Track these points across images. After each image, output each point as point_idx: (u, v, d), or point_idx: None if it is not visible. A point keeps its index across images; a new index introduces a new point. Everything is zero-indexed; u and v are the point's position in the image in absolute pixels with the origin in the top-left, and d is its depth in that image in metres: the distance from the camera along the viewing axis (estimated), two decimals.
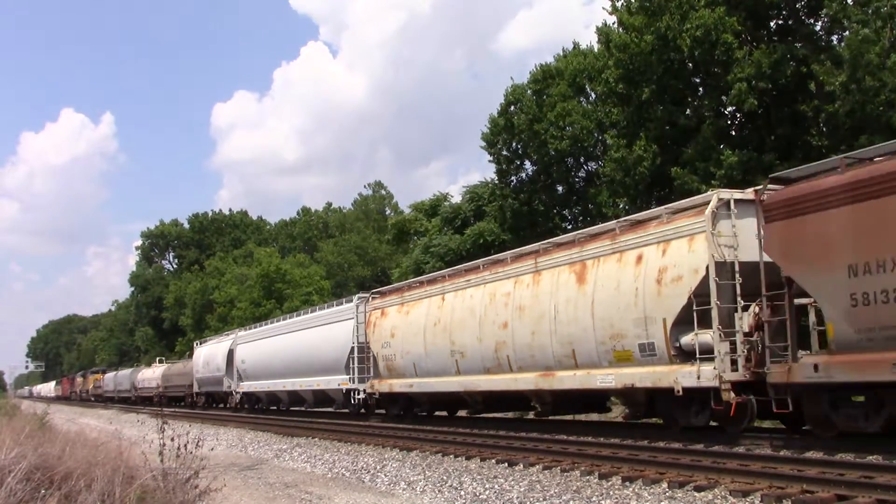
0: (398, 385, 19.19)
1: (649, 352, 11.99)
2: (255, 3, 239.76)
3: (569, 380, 13.60)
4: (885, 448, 9.41)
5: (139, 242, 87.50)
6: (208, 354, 34.75)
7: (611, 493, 8.73)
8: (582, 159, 28.66)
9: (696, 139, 20.58)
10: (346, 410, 22.81)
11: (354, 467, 12.77)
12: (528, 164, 29.77)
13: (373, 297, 21.33)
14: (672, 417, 12.49)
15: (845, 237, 9.17)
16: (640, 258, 12.26)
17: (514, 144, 29.26)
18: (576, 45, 30.22)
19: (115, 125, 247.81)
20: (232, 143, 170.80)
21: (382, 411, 21.42)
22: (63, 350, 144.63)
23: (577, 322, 13.25)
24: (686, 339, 11.36)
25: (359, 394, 20.99)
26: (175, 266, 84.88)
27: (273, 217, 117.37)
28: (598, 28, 25.93)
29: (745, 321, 10.72)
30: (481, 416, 17.43)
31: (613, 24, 24.27)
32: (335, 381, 22.36)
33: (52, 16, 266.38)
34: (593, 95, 28.36)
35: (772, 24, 21.54)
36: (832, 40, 20.42)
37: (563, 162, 28.10)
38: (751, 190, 11.25)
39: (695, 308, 11.10)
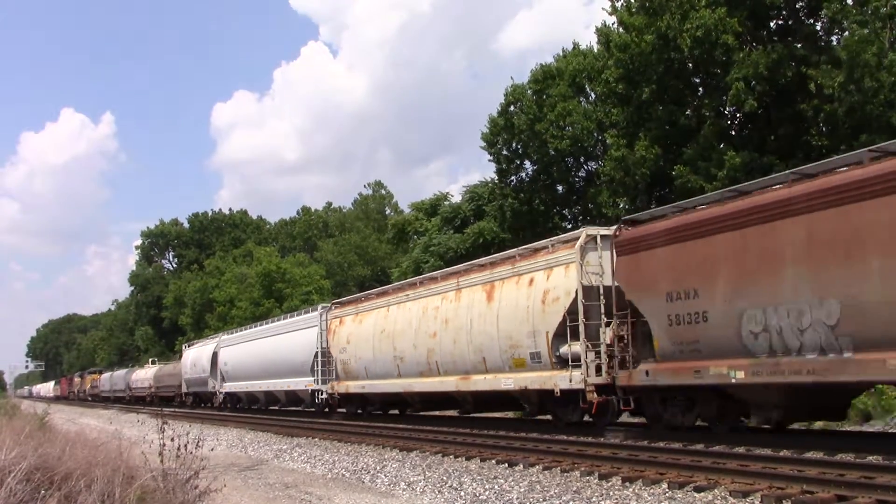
0: (353, 386, 21.37)
1: (537, 359, 14.40)
2: (255, 2, 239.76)
3: (481, 382, 16.10)
4: (884, 448, 9.42)
5: (139, 242, 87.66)
6: (195, 356, 36.81)
7: (611, 493, 8.73)
8: (582, 159, 28.65)
9: (697, 139, 20.58)
10: (313, 409, 24.65)
11: (354, 468, 12.77)
12: (528, 164, 29.79)
13: (333, 307, 23.64)
14: (556, 415, 15.08)
15: (665, 271, 12.02)
16: (531, 281, 14.76)
17: (514, 144, 29.26)
18: (576, 46, 30.23)
19: (115, 125, 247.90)
20: (232, 142, 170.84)
21: (343, 410, 23.28)
22: (63, 350, 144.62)
23: (486, 333, 15.77)
24: (563, 350, 13.83)
25: (322, 394, 23.19)
26: (175, 265, 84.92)
27: (273, 217, 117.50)
28: (597, 28, 25.95)
29: (607, 335, 13.21)
30: (422, 413, 19.60)
31: (613, 24, 24.28)
32: (303, 383, 24.59)
33: (51, 15, 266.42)
34: (593, 95, 28.36)
35: (772, 24, 21.54)
36: (831, 41, 20.43)
37: (563, 162, 28.10)
38: (613, 228, 13.56)
39: (568, 324, 13.59)
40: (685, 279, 11.66)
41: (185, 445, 8.25)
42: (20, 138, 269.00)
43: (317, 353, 23.49)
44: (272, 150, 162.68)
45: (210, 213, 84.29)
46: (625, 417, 14.68)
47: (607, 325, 13.28)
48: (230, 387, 31.94)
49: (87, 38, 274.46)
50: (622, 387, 12.83)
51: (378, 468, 12.31)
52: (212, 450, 11.15)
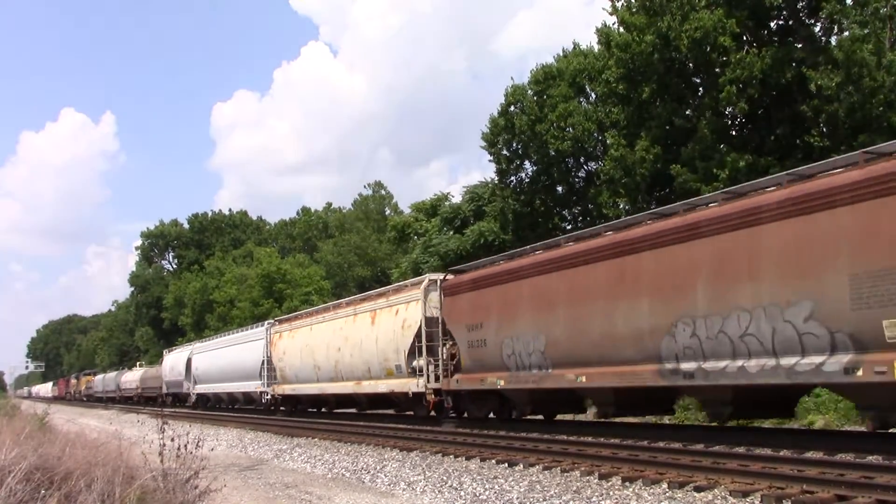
0: (288, 389, 26.76)
1: (400, 370, 19.09)
2: (255, 2, 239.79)
3: (368, 387, 21.06)
4: (884, 448, 9.42)
5: (139, 242, 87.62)
6: (173, 362, 42.05)
7: (611, 493, 8.73)
8: (582, 160, 28.64)
9: (696, 139, 20.59)
10: (262, 407, 29.76)
11: (354, 467, 12.77)
12: (528, 164, 29.77)
13: (276, 324, 29.00)
14: (414, 410, 20.05)
15: (467, 310, 16.88)
16: (397, 312, 19.58)
17: (514, 145, 29.24)
18: (576, 46, 30.22)
19: (115, 125, 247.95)
20: (232, 142, 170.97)
21: (283, 408, 28.56)
22: (63, 350, 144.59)
23: (370, 350, 20.57)
24: (414, 363, 18.47)
25: (267, 395, 28.35)
26: (175, 266, 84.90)
27: (273, 217, 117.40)
28: (598, 28, 25.93)
29: (444, 352, 17.77)
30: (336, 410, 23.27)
31: (613, 24, 24.27)
32: (254, 385, 29.94)
33: (52, 15, 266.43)
34: (594, 96, 28.35)
35: (772, 24, 21.53)
36: (831, 41, 20.43)
37: (563, 162, 28.09)
38: (444, 275, 18.46)
39: (416, 344, 18.30)
40: (476, 316, 16.49)
41: (185, 445, 8.25)
42: (20, 138, 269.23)
43: (263, 361, 28.68)
44: (272, 150, 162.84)
45: (210, 214, 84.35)
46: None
47: (443, 345, 17.81)
48: (200, 388, 37.04)
49: (87, 37, 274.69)
50: (444, 390, 17.76)
51: (378, 468, 12.31)
52: (212, 450, 11.16)
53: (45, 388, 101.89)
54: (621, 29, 23.07)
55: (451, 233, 34.93)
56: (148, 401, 46.40)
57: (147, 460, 8.23)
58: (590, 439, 12.91)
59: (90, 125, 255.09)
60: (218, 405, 35.88)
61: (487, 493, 9.45)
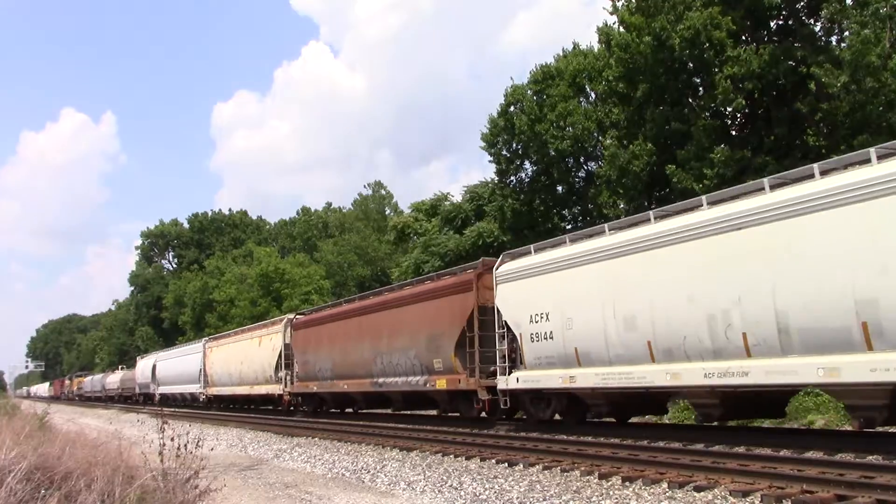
0: (215, 390, 35.34)
1: (272, 379, 27.90)
2: (255, 2, 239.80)
3: (256, 389, 29.63)
4: (885, 448, 9.42)
5: (139, 242, 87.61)
6: (143, 366, 50.04)
7: (611, 493, 8.73)
8: (582, 159, 28.62)
9: (691, 139, 20.60)
10: (201, 404, 37.67)
11: (354, 467, 12.77)
12: (528, 164, 29.75)
13: (209, 341, 37.33)
14: (277, 406, 28.59)
15: (302, 341, 25.73)
16: (271, 339, 28.28)
17: (514, 145, 29.22)
18: (576, 46, 30.19)
19: (116, 125, 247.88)
20: (233, 142, 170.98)
21: (215, 405, 36.36)
22: (63, 350, 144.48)
23: (257, 363, 29.30)
24: (279, 374, 27.07)
25: (203, 395, 37.01)
26: (175, 266, 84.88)
27: (273, 217, 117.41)
28: (598, 28, 25.92)
29: (295, 367, 26.04)
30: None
31: (614, 24, 24.27)
32: (196, 388, 38.24)
33: (52, 15, 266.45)
34: (593, 95, 28.33)
35: (772, 24, 21.53)
36: (831, 41, 20.42)
37: (563, 162, 28.06)
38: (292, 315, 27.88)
39: (280, 361, 26.92)
40: (306, 345, 25.23)
41: (185, 445, 8.24)
42: (21, 138, 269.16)
43: (201, 368, 36.90)
44: (273, 150, 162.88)
45: (210, 214, 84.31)
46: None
47: (294, 363, 26.18)
48: (161, 389, 44.70)
49: (87, 37, 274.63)
50: (293, 393, 26.31)
51: (378, 468, 12.31)
52: (212, 450, 11.16)
53: (43, 388, 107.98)
54: (622, 29, 23.07)
55: (451, 233, 34.94)
56: (126, 399, 54.61)
57: (147, 460, 8.22)
58: (590, 439, 12.91)
59: (90, 125, 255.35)
60: (174, 402, 42.33)
61: (487, 493, 9.45)
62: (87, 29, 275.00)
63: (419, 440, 14.80)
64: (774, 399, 11.76)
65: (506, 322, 15.21)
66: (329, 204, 78.69)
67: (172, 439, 8.21)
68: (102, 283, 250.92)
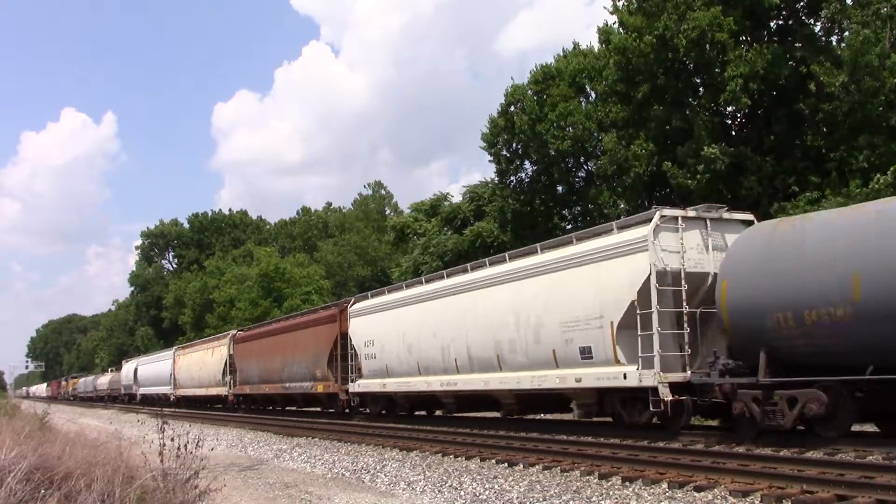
0: (182, 391, 40.75)
1: (218, 383, 33.96)
2: (256, 2, 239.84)
3: (210, 391, 35.13)
4: (885, 448, 9.43)
5: (139, 242, 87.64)
6: (127, 369, 55.41)
7: (611, 493, 8.73)
8: (582, 159, 28.61)
9: (690, 138, 20.62)
10: (171, 402, 42.01)
11: (354, 467, 12.77)
12: (528, 164, 29.74)
13: (179, 349, 43.64)
14: (224, 404, 34.29)
15: (241, 351, 31.91)
16: (221, 349, 33.49)
17: (514, 145, 29.22)
18: (576, 46, 30.20)
19: (116, 125, 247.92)
20: (233, 142, 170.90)
21: (181, 404, 41.13)
22: (63, 350, 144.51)
23: (210, 369, 34.97)
24: (226, 378, 32.32)
25: (172, 396, 42.30)
26: (175, 266, 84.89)
27: (273, 217, 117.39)
28: (599, 28, 25.94)
29: (239, 372, 32.08)
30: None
31: (614, 23, 24.27)
32: (167, 389, 43.21)
33: (52, 15, 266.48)
34: (593, 95, 28.32)
35: (772, 24, 21.54)
36: (831, 41, 20.44)
37: (563, 162, 28.06)
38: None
39: (225, 368, 32.69)
40: (244, 356, 30.52)
41: (185, 445, 8.25)
42: (21, 138, 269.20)
43: (171, 373, 42.28)
44: (273, 150, 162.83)
45: (210, 214, 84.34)
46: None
47: (236, 370, 31.78)
48: (142, 390, 49.83)
49: (88, 37, 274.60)
50: (235, 394, 31.88)
51: (378, 468, 12.31)
52: (212, 450, 11.15)
53: (41, 389, 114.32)
54: (621, 30, 23.09)
55: (451, 233, 34.93)
56: (113, 399, 59.91)
57: (147, 460, 8.22)
58: (590, 439, 12.91)
59: (91, 125, 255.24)
60: (151, 401, 47.76)
61: (487, 493, 9.45)
62: (88, 29, 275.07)
63: (419, 440, 14.79)
64: (554, 398, 15.36)
65: (354, 345, 21.44)
66: (329, 204, 78.82)
67: (172, 439, 8.21)
68: (102, 283, 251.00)
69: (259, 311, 50.28)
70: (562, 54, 30.11)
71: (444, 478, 10.67)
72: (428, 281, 19.51)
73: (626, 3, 23.03)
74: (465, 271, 17.73)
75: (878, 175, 16.37)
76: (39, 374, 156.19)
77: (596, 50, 27.91)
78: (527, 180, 29.78)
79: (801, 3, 20.89)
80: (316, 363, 23.74)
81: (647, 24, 21.06)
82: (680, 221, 12.61)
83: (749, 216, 13.39)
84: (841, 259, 9.92)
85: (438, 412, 20.66)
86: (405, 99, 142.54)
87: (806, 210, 16.81)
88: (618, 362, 12.67)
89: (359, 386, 21.12)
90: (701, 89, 22.02)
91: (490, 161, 30.46)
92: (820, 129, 19.77)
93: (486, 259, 17.46)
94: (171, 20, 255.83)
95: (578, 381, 13.47)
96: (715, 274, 12.16)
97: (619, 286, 12.71)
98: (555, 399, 15.22)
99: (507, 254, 16.95)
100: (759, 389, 10.71)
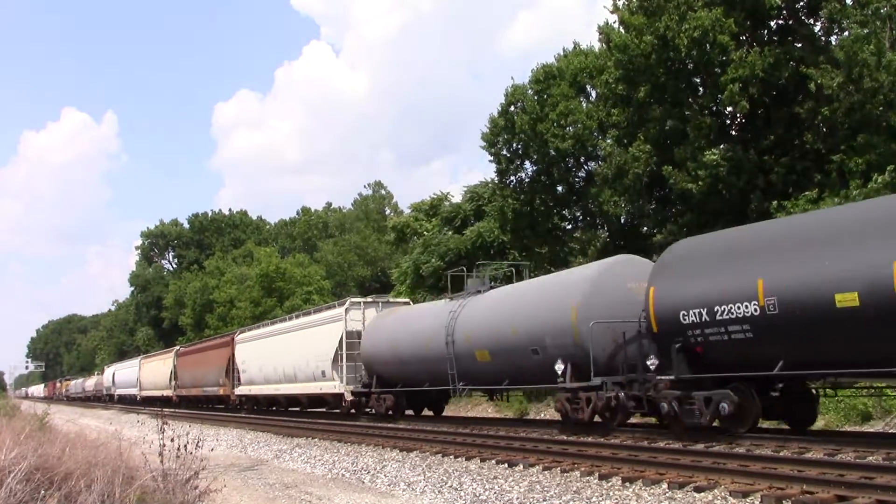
0: (144, 392, 50.01)
1: (167, 386, 44.34)
2: (256, 2, 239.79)
3: (164, 392, 44.41)
4: (884, 448, 9.43)
5: (139, 242, 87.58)
6: (107, 374, 66.11)
7: (611, 493, 8.73)
8: (582, 159, 28.57)
9: (688, 139, 20.60)
10: (138, 401, 51.47)
11: (354, 468, 12.77)
12: (528, 164, 29.70)
13: (143, 358, 52.61)
14: (167, 404, 41.80)
15: (183, 365, 42.02)
16: (170, 360, 44.34)
17: (514, 145, 29.17)
18: (576, 45, 30.15)
19: (117, 124, 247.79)
20: (233, 142, 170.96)
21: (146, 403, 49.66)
22: (63, 350, 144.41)
23: (161, 376, 45.53)
24: (171, 383, 43.41)
25: (138, 395, 50.86)
26: (175, 266, 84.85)
27: (273, 217, 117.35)
28: (599, 27, 25.90)
29: (183, 377, 41.89)
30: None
31: (614, 23, 24.24)
32: (135, 390, 52.04)
33: (53, 14, 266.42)
34: (594, 95, 28.28)
35: (772, 24, 21.52)
36: (830, 41, 20.41)
37: (563, 162, 28.02)
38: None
39: (172, 373, 43.39)
40: (182, 368, 41.16)
41: (185, 446, 8.25)
42: (22, 138, 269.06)
43: (137, 377, 51.33)
44: (273, 150, 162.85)
45: (210, 214, 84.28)
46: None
47: (178, 376, 41.66)
48: (118, 391, 59.16)
49: (88, 37, 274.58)
50: (177, 395, 41.78)
51: (378, 468, 12.31)
52: (212, 450, 11.17)
53: (38, 389, 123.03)
54: (621, 29, 23.05)
55: (451, 233, 34.91)
56: (97, 399, 69.18)
57: (147, 460, 8.23)
58: (590, 439, 12.91)
59: (92, 125, 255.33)
60: (124, 401, 56.49)
61: (487, 493, 9.45)
62: (89, 28, 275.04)
63: (419, 441, 14.79)
64: (318, 398, 25.90)
65: (236, 363, 31.82)
66: (329, 204, 78.72)
67: (172, 440, 8.22)
68: (103, 284, 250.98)
69: (260, 311, 50.26)
70: (562, 54, 30.07)
71: (444, 478, 10.67)
72: (272, 324, 31.40)
73: (626, 3, 23.00)
74: (283, 320, 30.21)
75: (877, 175, 16.36)
76: (39, 375, 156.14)
77: (597, 49, 27.88)
78: (527, 180, 29.73)
79: (801, 4, 20.86)
80: (219, 374, 34.37)
81: (648, 23, 21.03)
82: (361, 304, 23.41)
83: (406, 300, 26.54)
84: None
85: (274, 406, 30.70)
86: (405, 98, 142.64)
87: (806, 209, 16.81)
88: (333, 380, 22.98)
89: (239, 390, 31.88)
90: (700, 90, 22.00)
91: (490, 161, 30.43)
92: (819, 129, 19.74)
93: (288, 315, 31.58)
94: (172, 20, 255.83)
95: (320, 389, 24.21)
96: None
97: (333, 339, 23.10)
98: (318, 398, 25.68)
99: (296, 313, 30.08)
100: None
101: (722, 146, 19.91)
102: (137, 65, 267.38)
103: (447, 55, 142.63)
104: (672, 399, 12.22)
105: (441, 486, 10.20)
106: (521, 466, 10.98)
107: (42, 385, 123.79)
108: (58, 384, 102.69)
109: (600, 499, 8.53)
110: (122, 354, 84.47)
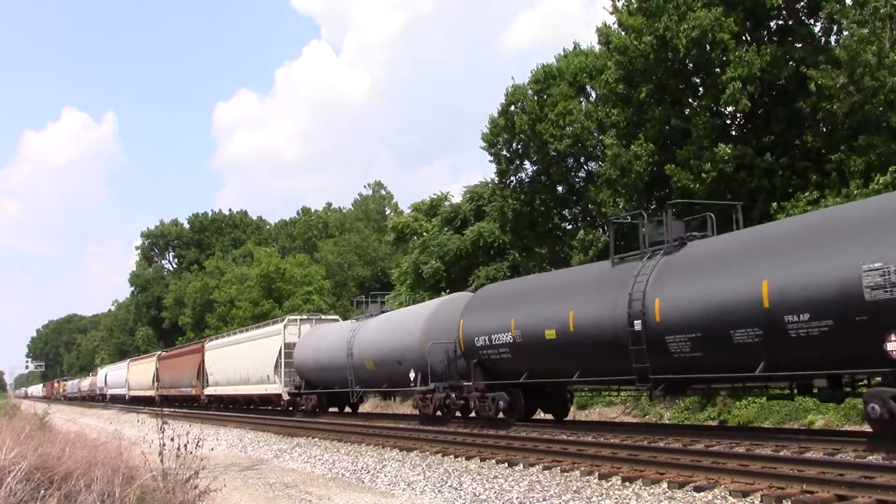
0: (132, 392, 55.13)
1: (150, 387, 50.24)
2: (257, 2, 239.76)
3: (146, 392, 50.99)
4: (884, 448, 9.43)
5: (139, 242, 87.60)
6: (100, 375, 71.72)
7: (611, 493, 8.73)
8: (582, 159, 28.56)
9: (691, 138, 20.57)
10: (126, 400, 57.15)
11: (354, 467, 12.78)
12: (528, 164, 29.68)
13: (131, 361, 58.62)
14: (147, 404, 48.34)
15: (163, 368, 47.93)
16: (152, 363, 50.68)
17: (514, 145, 29.16)
18: (576, 46, 30.14)
19: (117, 124, 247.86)
20: (233, 142, 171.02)
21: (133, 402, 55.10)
22: (63, 350, 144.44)
23: (145, 377, 50.68)
24: (154, 384, 49.62)
25: (127, 395, 55.65)
26: (175, 266, 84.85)
27: (273, 217, 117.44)
28: (598, 28, 25.88)
29: (162, 380, 48.06)
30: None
31: (613, 24, 24.23)
32: (123, 390, 57.21)
33: (53, 14, 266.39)
34: (594, 95, 28.27)
35: (772, 24, 21.52)
36: (830, 41, 20.41)
37: (563, 162, 28.01)
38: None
39: (156, 376, 49.16)
40: (163, 370, 46.64)
41: (185, 445, 8.26)
42: (22, 138, 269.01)
43: (126, 378, 56.55)
44: (273, 150, 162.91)
45: (210, 214, 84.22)
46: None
47: (159, 379, 47.37)
48: (109, 391, 64.57)
49: (89, 37, 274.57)
50: (159, 395, 47.06)
51: (378, 468, 12.31)
52: (212, 450, 11.16)
53: (37, 389, 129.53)
54: (620, 30, 23.04)
55: (451, 233, 34.91)
56: (91, 398, 74.28)
57: (147, 460, 8.23)
58: (590, 439, 12.91)
59: (92, 125, 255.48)
60: (115, 400, 61.51)
61: (487, 493, 9.45)
62: (89, 28, 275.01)
63: (419, 440, 14.80)
64: (267, 398, 31.49)
65: (206, 367, 36.70)
66: (329, 204, 78.74)
67: (172, 439, 8.22)
68: (103, 284, 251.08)
69: (260, 311, 50.26)
70: (562, 54, 30.06)
71: (444, 478, 10.67)
72: (233, 335, 36.79)
73: (625, 4, 22.99)
74: (241, 332, 35.56)
75: (878, 175, 16.35)
76: (39, 375, 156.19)
77: (596, 50, 27.87)
78: (527, 180, 29.73)
79: (801, 3, 20.86)
80: (192, 376, 39.54)
81: (648, 23, 21.02)
82: (298, 321, 28.71)
83: (335, 317, 32.71)
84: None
85: (232, 405, 36.43)
86: (406, 98, 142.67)
87: (806, 209, 16.80)
88: (275, 382, 28.57)
89: (208, 390, 37.23)
90: (700, 90, 21.99)
91: (490, 161, 30.43)
92: (819, 129, 19.74)
93: (247, 327, 36.25)
94: (173, 20, 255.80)
95: (266, 390, 30.07)
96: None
97: (274, 349, 28.65)
98: (266, 398, 31.36)
99: (249, 327, 35.53)
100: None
101: (728, 145, 19.85)
102: (137, 65, 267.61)
103: (448, 55, 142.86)
104: (475, 398, 17.12)
105: (441, 486, 10.20)
106: (521, 466, 10.98)
107: (41, 385, 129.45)
108: (55, 384, 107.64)
109: (600, 498, 8.53)
110: (122, 354, 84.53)
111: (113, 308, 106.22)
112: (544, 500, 8.77)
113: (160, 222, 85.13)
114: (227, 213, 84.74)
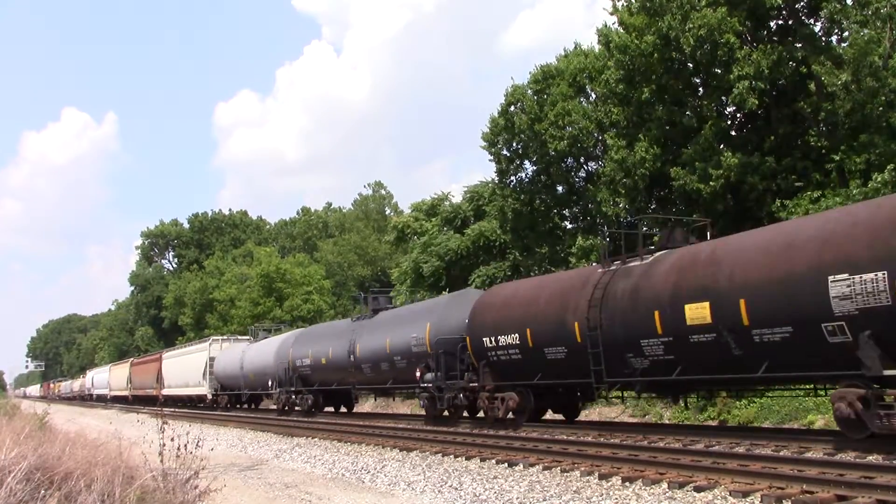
0: (112, 392, 61.59)
1: (125, 388, 56.90)
2: (258, 2, 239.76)
3: (122, 392, 58.31)
4: (884, 448, 9.43)
5: (139, 242, 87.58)
6: (89, 376, 77.72)
7: (611, 493, 8.73)
8: (582, 159, 28.55)
9: (697, 139, 20.53)
10: (108, 399, 62.82)
11: (354, 467, 12.78)
12: (528, 164, 29.68)
13: (112, 365, 67.94)
14: (145, 404, 49.88)
15: (137, 373, 56.36)
16: (126, 368, 58.89)
17: (514, 144, 29.16)
18: (576, 46, 30.13)
19: (117, 124, 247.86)
20: (234, 142, 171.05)
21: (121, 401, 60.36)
22: (63, 350, 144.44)
23: (122, 379, 57.85)
24: (128, 385, 56.50)
25: (108, 395, 62.22)
26: (175, 265, 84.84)
27: (273, 217, 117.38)
28: (598, 29, 25.86)
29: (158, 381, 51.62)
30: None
31: (613, 24, 24.22)
32: (105, 390, 63.72)
33: (54, 14, 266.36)
34: (594, 95, 28.25)
35: (772, 24, 21.50)
36: (831, 41, 20.40)
37: (563, 162, 28.00)
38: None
39: (129, 378, 56.45)
40: (136, 373, 53.87)
41: (185, 445, 8.25)
42: (22, 138, 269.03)
43: (108, 380, 62.82)
44: (274, 150, 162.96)
45: (210, 214, 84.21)
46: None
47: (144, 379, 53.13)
48: (95, 391, 71.04)
49: (89, 37, 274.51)
50: (132, 395, 54.44)
51: (378, 468, 12.31)
52: (212, 450, 11.17)
53: (35, 389, 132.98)
54: (621, 30, 23.01)
55: (451, 233, 34.92)
56: (82, 398, 79.28)
57: (147, 460, 8.23)
58: (590, 439, 12.91)
59: (92, 125, 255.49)
60: (99, 399, 67.82)
61: (487, 493, 9.45)
62: (89, 28, 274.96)
63: (419, 440, 14.80)
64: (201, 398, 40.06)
65: (162, 373, 44.96)
66: (329, 204, 78.79)
67: (172, 440, 8.22)
68: (103, 283, 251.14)
69: (259, 311, 50.24)
70: (563, 54, 30.05)
71: (444, 478, 10.67)
72: (179, 348, 46.22)
73: (626, 4, 22.96)
74: (185, 346, 45.54)
75: (877, 174, 16.35)
76: (39, 374, 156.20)
77: (596, 50, 27.85)
78: (527, 180, 29.73)
79: (802, 3, 20.85)
80: (154, 379, 47.12)
81: (650, 23, 20.98)
82: (220, 340, 39.04)
83: (248, 338, 37.66)
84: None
85: (180, 402, 42.83)
86: (406, 98, 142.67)
87: (808, 209, 16.80)
88: (203, 386, 38.05)
89: (164, 391, 44.53)
90: (700, 90, 21.97)
91: (490, 161, 30.43)
92: (820, 128, 19.74)
93: (185, 343, 48.87)
94: (173, 20, 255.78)
95: (197, 391, 39.32)
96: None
97: (202, 361, 38.33)
98: (199, 397, 39.32)
99: (188, 343, 48.49)
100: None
101: (737, 154, 19.78)
102: (138, 65, 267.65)
103: (448, 55, 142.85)
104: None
105: (441, 486, 10.20)
106: (521, 466, 10.98)
107: (38, 385, 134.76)
108: (52, 385, 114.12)
109: (600, 498, 8.53)
110: (122, 354, 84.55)
111: (113, 308, 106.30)
112: (544, 500, 8.77)
113: (160, 222, 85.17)
114: (227, 212, 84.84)
